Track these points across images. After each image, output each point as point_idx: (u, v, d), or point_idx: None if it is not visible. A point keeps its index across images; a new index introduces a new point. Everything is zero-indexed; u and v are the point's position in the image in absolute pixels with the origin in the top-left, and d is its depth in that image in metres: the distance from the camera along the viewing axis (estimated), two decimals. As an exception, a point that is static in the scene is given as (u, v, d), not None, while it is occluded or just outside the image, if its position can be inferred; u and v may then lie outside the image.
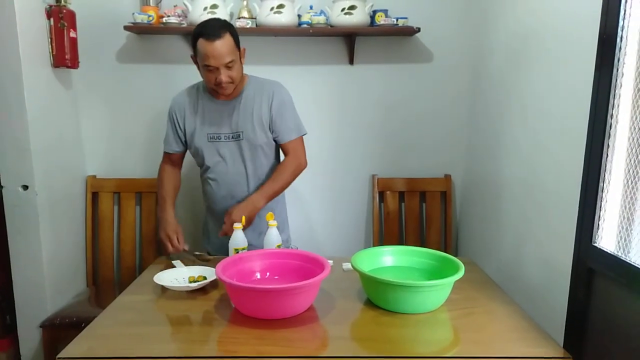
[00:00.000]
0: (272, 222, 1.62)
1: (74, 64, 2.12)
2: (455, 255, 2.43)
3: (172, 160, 1.92)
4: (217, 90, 1.69)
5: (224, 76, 1.62)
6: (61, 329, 1.93)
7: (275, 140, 1.80)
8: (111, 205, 2.35)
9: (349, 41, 2.28)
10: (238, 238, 1.60)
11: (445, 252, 2.39)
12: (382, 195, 2.41)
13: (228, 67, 1.62)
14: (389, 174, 2.40)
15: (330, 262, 1.44)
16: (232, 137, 1.77)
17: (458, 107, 2.39)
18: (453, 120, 2.40)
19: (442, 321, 1.30)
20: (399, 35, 2.28)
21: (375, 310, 1.34)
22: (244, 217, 1.64)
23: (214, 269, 1.50)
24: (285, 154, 1.81)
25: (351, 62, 2.32)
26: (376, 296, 1.35)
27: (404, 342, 1.19)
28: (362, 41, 2.30)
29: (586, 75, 1.29)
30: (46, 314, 1.99)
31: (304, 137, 1.84)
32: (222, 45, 1.59)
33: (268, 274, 1.47)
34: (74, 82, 2.25)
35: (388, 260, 1.54)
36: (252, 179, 1.81)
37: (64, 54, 2.04)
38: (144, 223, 2.36)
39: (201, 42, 1.60)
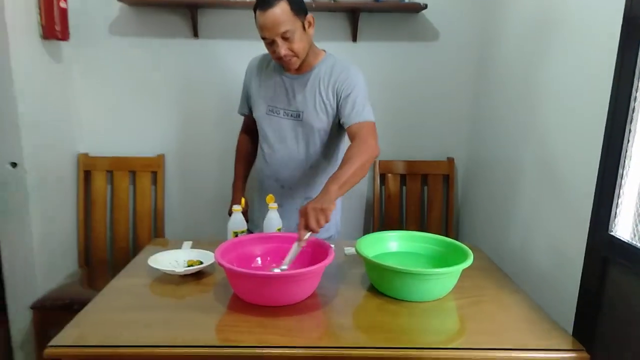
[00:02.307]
0: (273, 205, 1.55)
1: (65, 35, 2.02)
2: (457, 240, 2.42)
3: (248, 125, 1.84)
4: (281, 65, 1.56)
5: (282, 49, 1.46)
6: (52, 311, 1.88)
7: (341, 124, 1.59)
8: (104, 184, 2.27)
9: (353, 17, 2.19)
10: (237, 220, 1.54)
11: (447, 236, 2.37)
12: (382, 177, 2.35)
13: (285, 38, 1.45)
14: (389, 157, 2.34)
15: (332, 246, 1.38)
16: (291, 115, 1.63)
17: (463, 88, 2.32)
18: (457, 101, 2.33)
19: (449, 310, 1.25)
20: (405, 11, 2.20)
21: (380, 297, 1.30)
22: (243, 199, 1.58)
23: (211, 253, 1.46)
24: (352, 138, 1.52)
25: (354, 39, 2.24)
26: (381, 283, 1.30)
27: (410, 332, 1.15)
28: (366, 17, 2.21)
29: (608, 56, 1.23)
30: (37, 295, 1.93)
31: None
32: (275, 14, 1.42)
33: (269, 258, 1.41)
34: (64, 55, 2.15)
35: (393, 245, 1.49)
36: (301, 164, 1.67)
37: (54, 25, 1.94)
38: (138, 203, 2.29)
39: (257, 14, 1.46)
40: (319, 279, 1.29)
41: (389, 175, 2.33)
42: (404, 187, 2.37)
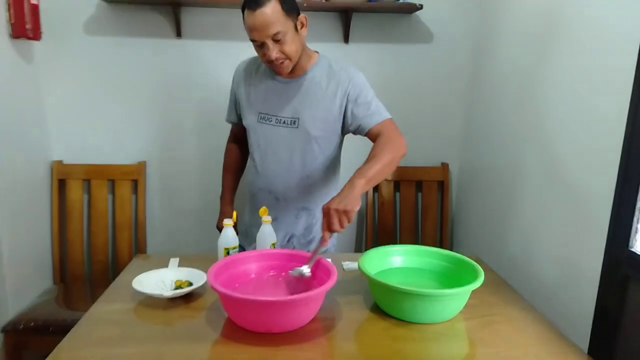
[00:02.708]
0: (266, 218, 1.45)
1: (36, 34, 1.87)
2: (451, 249, 2.35)
3: (235, 134, 1.73)
4: (272, 69, 1.44)
5: (273, 52, 1.35)
6: (26, 333, 1.73)
7: (357, 132, 1.49)
8: (80, 194, 2.13)
9: (345, 17, 2.10)
10: (228, 236, 1.43)
11: (442, 245, 2.31)
12: (376, 186, 2.26)
13: (276, 40, 1.34)
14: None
15: (329, 259, 1.29)
16: (286, 123, 1.51)
17: (457, 91, 2.25)
18: (451, 105, 2.27)
19: (461, 333, 1.17)
20: (399, 12, 2.12)
21: (386, 319, 1.20)
22: (235, 213, 1.47)
23: (201, 272, 1.35)
24: (374, 140, 1.43)
25: (346, 40, 2.15)
26: (388, 304, 1.21)
27: (423, 358, 1.06)
28: (359, 18, 2.12)
29: (627, 55, 1.16)
30: (8, 317, 1.78)
31: None
32: (265, 14, 1.30)
33: (265, 276, 1.31)
34: (35, 56, 2.00)
35: (397, 260, 1.40)
36: (297, 174, 1.55)
37: (24, 23, 1.79)
38: (117, 213, 2.15)
39: (245, 14, 1.34)
40: (321, 302, 1.19)
41: (382, 181, 2.25)
42: (398, 194, 2.29)
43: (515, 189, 1.75)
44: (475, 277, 1.22)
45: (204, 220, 2.19)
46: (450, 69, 2.23)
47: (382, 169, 1.32)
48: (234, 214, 1.46)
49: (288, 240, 1.62)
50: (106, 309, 1.24)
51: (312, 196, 1.59)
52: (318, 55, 1.53)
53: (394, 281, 1.18)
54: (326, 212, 1.21)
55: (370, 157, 1.33)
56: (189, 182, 2.25)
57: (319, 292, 1.10)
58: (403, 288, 1.13)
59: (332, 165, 1.61)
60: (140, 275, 1.32)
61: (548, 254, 1.51)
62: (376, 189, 2.26)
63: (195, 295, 1.30)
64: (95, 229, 2.14)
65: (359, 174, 1.27)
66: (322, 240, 1.22)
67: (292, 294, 1.25)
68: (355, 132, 1.52)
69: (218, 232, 1.65)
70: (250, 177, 1.68)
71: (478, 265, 1.27)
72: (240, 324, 1.13)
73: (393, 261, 1.40)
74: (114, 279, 1.45)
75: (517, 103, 1.77)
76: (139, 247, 2.17)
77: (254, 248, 1.44)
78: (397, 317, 1.20)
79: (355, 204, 1.21)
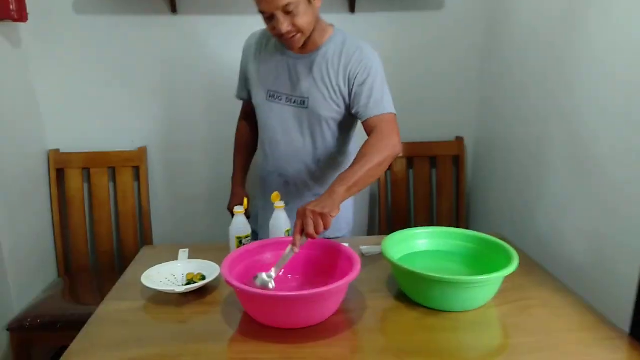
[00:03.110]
0: (279, 204, 1.36)
1: (21, 16, 1.74)
2: (468, 227, 2.27)
3: (246, 111, 1.62)
4: (283, 43, 1.33)
5: (284, 25, 1.23)
6: (32, 331, 1.66)
7: (356, 116, 1.39)
8: (80, 183, 2.03)
9: (351, -16, 1.97)
10: (240, 224, 1.34)
11: (458, 222, 2.23)
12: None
13: (287, 12, 1.22)
14: (395, 138, 2.15)
15: (346, 244, 1.20)
16: (295, 102, 1.40)
17: (471, 60, 2.13)
18: (465, 75, 2.15)
19: (495, 320, 1.10)
20: (408, -23, 1.98)
21: (414, 308, 1.13)
22: (246, 200, 1.38)
23: (213, 264, 1.26)
24: (370, 132, 1.32)
25: (352, 9, 2.02)
26: (416, 292, 1.13)
27: (458, 352, 0.98)
28: (365, -15, 1.99)
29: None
30: (13, 314, 1.71)
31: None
32: None
33: (282, 270, 1.23)
34: (23, 39, 1.88)
35: (422, 244, 1.32)
36: (308, 158, 1.46)
37: (8, 3, 1.67)
38: (120, 202, 2.06)
39: None
40: (345, 293, 1.11)
41: (396, 161, 2.15)
42: (411, 171, 2.19)
43: (540, 162, 1.65)
44: (506, 259, 1.14)
45: (215, 205, 2.10)
46: (464, 35, 2.10)
47: (368, 173, 1.21)
48: (245, 200, 1.37)
49: None
50: (115, 307, 1.16)
51: (325, 183, 1.50)
52: (333, 29, 1.41)
53: (419, 266, 1.11)
54: (301, 214, 1.10)
55: (358, 159, 1.22)
56: (194, 167, 2.15)
57: (342, 285, 1.02)
58: (433, 275, 1.05)
59: (345, 148, 1.51)
60: (149, 270, 1.25)
61: (580, 231, 1.43)
62: (390, 168, 2.17)
63: (209, 289, 1.22)
64: (98, 219, 2.05)
65: (340, 180, 1.17)
66: (293, 244, 1.10)
67: (311, 284, 1.17)
68: (355, 117, 1.41)
69: (230, 215, 1.58)
70: (260, 159, 1.58)
71: (510, 247, 1.19)
72: (260, 321, 1.05)
73: (418, 244, 1.32)
74: (120, 269, 1.39)
75: (540, 70, 1.65)
76: (144, 237, 2.09)
77: (268, 235, 1.35)
78: (425, 305, 1.12)
79: (333, 209, 1.11)
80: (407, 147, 2.14)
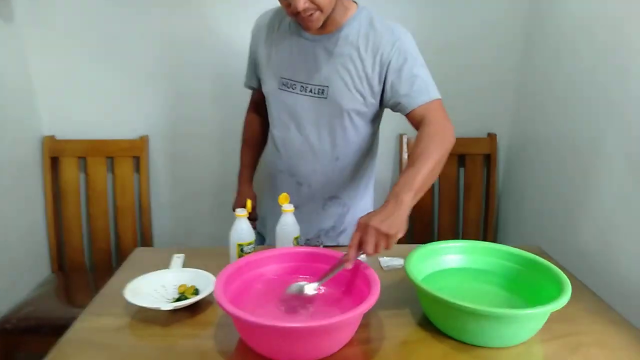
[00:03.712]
0: (287, 207, 1.18)
1: (13, -12, 1.59)
2: (497, 235, 2.07)
3: (256, 102, 1.46)
4: (299, 22, 1.13)
5: (300, 2, 1.04)
6: (21, 333, 1.52)
7: (394, 109, 1.21)
8: (76, 173, 1.88)
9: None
10: (242, 229, 1.17)
11: (486, 230, 2.02)
12: (411, 159, 1.97)
13: None
14: (420, 134, 1.95)
15: (363, 256, 1.02)
16: (312, 91, 1.22)
17: (508, 48, 1.91)
18: (501, 65, 1.94)
19: (542, 361, 0.91)
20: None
21: (442, 340, 0.94)
22: (249, 201, 1.20)
23: (209, 275, 1.10)
24: (418, 125, 1.14)
25: (378, -10, 1.81)
26: (445, 322, 0.95)
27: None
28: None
29: None
30: (0, 312, 1.58)
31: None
32: None
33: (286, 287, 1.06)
34: (16, 15, 1.72)
35: (451, 260, 1.13)
36: (325, 156, 1.28)
37: (-4, -27, 1.51)
38: (118, 195, 1.91)
39: None
40: (359, 323, 0.93)
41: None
42: (436, 170, 1.99)
43: (587, 165, 1.44)
44: (553, 284, 0.96)
45: (221, 202, 1.95)
46: (501, 21, 1.88)
47: (432, 173, 1.03)
48: (249, 202, 1.19)
49: (315, 235, 1.36)
50: (93, 324, 1.00)
51: (344, 185, 1.32)
52: (357, 6, 1.22)
53: (449, 287, 0.94)
54: (363, 228, 0.93)
55: (416, 157, 1.03)
56: (199, 160, 1.99)
57: (356, 315, 0.84)
58: (468, 306, 0.86)
59: (368, 146, 1.32)
60: (136, 279, 1.08)
61: (636, 249, 1.23)
62: (411, 164, 1.98)
63: (202, 305, 1.06)
64: (94, 213, 1.90)
65: (404, 185, 0.97)
66: (346, 260, 0.95)
67: (325, 304, 1.00)
68: (393, 109, 1.23)
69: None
70: (269, 156, 1.41)
71: (558, 270, 0.99)
72: (259, 352, 0.88)
73: (446, 261, 1.13)
74: (118, 267, 1.24)
75: (594, 59, 1.44)
76: (144, 234, 1.93)
77: (274, 241, 1.19)
78: (456, 338, 0.94)
79: (402, 227, 0.93)
80: (433, 143, 1.94)
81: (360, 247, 0.94)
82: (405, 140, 1.95)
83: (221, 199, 1.94)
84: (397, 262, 1.25)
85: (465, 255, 1.13)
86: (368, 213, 0.96)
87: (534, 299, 0.99)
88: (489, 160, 1.98)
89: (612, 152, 1.33)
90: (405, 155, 1.96)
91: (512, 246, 1.12)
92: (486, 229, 2.01)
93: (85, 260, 1.93)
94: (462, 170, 2.00)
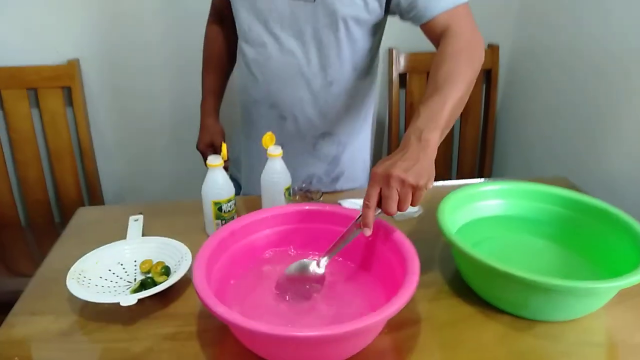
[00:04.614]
0: (274, 151, 0.91)
1: None
2: (493, 160, 1.88)
3: (218, 9, 1.13)
4: None
5: None
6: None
7: (408, 19, 0.92)
8: (-9, 111, 1.51)
9: None
10: (218, 183, 0.89)
11: (484, 153, 1.81)
12: (403, 78, 1.70)
13: None
14: (413, 47, 1.65)
15: (378, 210, 0.77)
16: None
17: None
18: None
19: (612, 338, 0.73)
20: None
21: (494, 316, 0.74)
22: (224, 146, 0.91)
23: (180, 244, 0.84)
24: (439, 38, 0.87)
25: None
26: (502, 297, 0.74)
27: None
28: None
29: None
30: None
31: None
32: None
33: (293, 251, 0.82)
34: None
35: (489, 206, 0.90)
36: (315, 82, 1.00)
37: None
38: (49, 134, 1.55)
39: None
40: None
41: (413, 74, 1.69)
42: (429, 89, 1.74)
43: (610, 81, 1.23)
44: (625, 238, 0.76)
45: (179, 138, 1.63)
46: None
47: (459, 105, 0.79)
48: (224, 147, 0.91)
49: (304, 182, 1.10)
50: (25, 330, 0.73)
51: (338, 119, 1.05)
52: None
53: (489, 242, 0.81)
54: (382, 179, 0.67)
55: (441, 83, 0.77)
56: (147, 86, 1.63)
57: (385, 316, 0.59)
58: (533, 279, 0.65)
59: (367, 66, 1.03)
60: (80, 261, 0.81)
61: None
62: (403, 84, 1.71)
63: (176, 289, 0.80)
64: (21, 158, 1.55)
65: (429, 119, 0.72)
66: (364, 224, 0.70)
67: (347, 278, 0.77)
68: (403, 18, 0.93)
69: (200, 154, 1.18)
70: (241, 80, 1.09)
71: (633, 222, 0.79)
72: (261, 356, 0.65)
73: (483, 207, 0.90)
74: (62, 224, 0.95)
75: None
76: (89, 180, 1.61)
77: (255, 190, 0.92)
78: (512, 313, 0.74)
79: (431, 176, 0.69)
80: (426, 57, 1.67)
81: (379, 205, 0.69)
82: (395, 55, 1.66)
83: (179, 133, 1.63)
84: (412, 209, 1.01)
85: (503, 200, 0.91)
86: (383, 160, 0.71)
87: (597, 256, 0.81)
88: (489, 76, 1.73)
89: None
90: (397, 73, 1.67)
91: (512, 178, 0.93)
92: (483, 152, 1.81)
93: (19, 216, 1.60)
94: (459, 89, 1.75)
